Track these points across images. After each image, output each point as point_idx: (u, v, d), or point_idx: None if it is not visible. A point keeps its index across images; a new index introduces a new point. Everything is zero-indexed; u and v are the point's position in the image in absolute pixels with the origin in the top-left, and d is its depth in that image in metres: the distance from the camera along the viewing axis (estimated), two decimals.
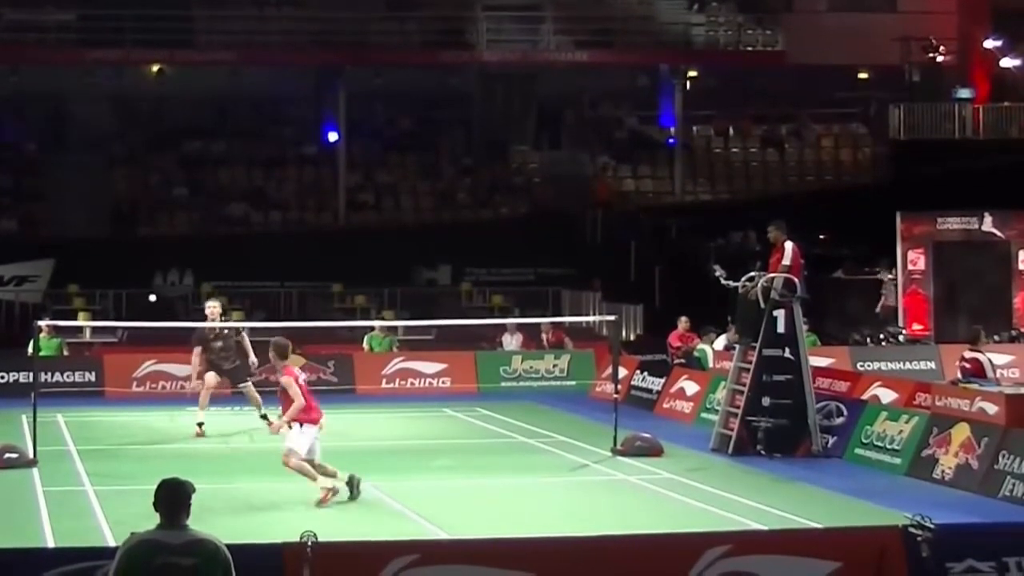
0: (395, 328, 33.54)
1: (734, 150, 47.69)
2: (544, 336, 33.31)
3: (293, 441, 17.95)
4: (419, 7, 44.24)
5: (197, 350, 24.28)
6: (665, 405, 27.49)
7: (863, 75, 46.48)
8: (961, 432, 19.56)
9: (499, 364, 32.00)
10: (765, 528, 15.75)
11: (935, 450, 19.84)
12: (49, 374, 28.98)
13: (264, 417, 23.62)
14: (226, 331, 24.28)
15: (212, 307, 24.60)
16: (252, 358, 24.13)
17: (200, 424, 23.99)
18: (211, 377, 24.23)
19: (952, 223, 35.55)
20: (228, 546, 9.07)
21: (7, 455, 20.76)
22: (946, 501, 18.02)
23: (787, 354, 21.98)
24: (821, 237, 39.67)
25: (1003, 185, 36.87)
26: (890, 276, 36.17)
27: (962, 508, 17.49)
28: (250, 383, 24.21)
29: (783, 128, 48.03)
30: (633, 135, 47.90)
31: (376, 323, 33.65)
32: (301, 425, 18.01)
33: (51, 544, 15.27)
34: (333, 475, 18.06)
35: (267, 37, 43.30)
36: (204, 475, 16.66)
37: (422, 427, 26.18)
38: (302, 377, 18.49)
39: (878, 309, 36.03)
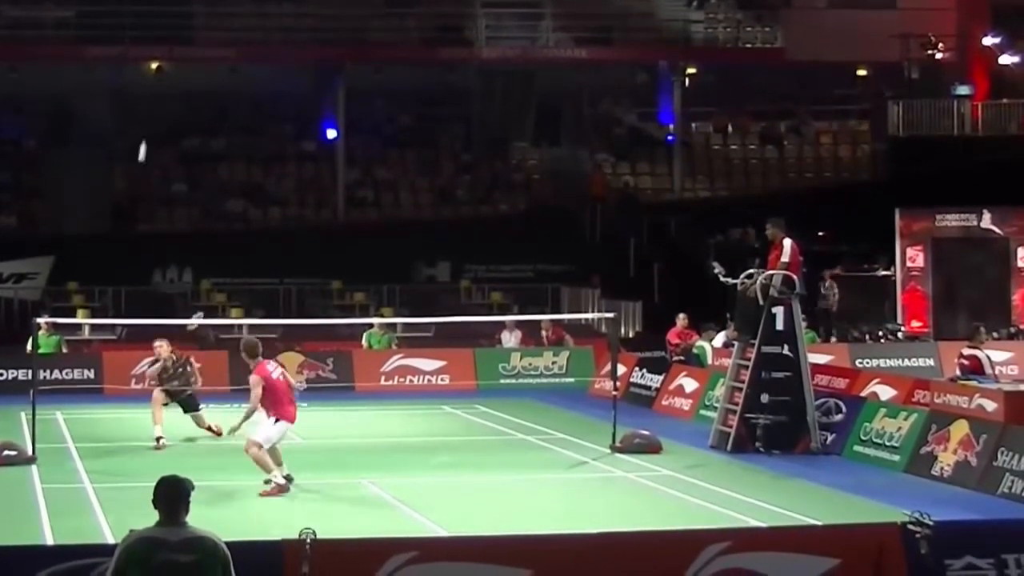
0: (394, 325, 33.57)
1: (733, 147, 47.68)
2: (544, 333, 33.34)
3: (261, 433, 18.29)
4: (418, 3, 44.25)
5: (156, 393, 23.22)
6: (664, 402, 27.50)
7: (862, 72, 46.46)
8: (960, 429, 19.57)
9: (498, 361, 32.01)
10: (764, 525, 15.74)
11: (934, 447, 19.85)
12: (48, 371, 29.00)
13: (210, 428, 23.37)
14: (178, 368, 23.28)
15: (159, 346, 23.41)
16: (198, 384, 23.51)
17: (159, 439, 22.85)
18: (158, 394, 23.16)
19: (951, 220, 35.57)
20: (227, 543, 9.07)
21: (6, 452, 20.78)
22: (945, 498, 18.03)
23: (786, 351, 22.00)
24: (820, 234, 39.66)
25: (1002, 182, 36.89)
26: (832, 278, 36.33)
27: (961, 505, 17.50)
28: (203, 412, 23.38)
29: (782, 125, 48.02)
30: (632, 132, 47.91)
31: (375, 320, 33.66)
32: (276, 420, 18.27)
33: (50, 541, 15.27)
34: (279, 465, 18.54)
35: (266, 34, 43.30)
36: (203, 472, 16.69)
37: (421, 424, 26.19)
38: (276, 373, 18.47)
39: (819, 306, 36.19)
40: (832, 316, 36.20)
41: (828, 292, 36.29)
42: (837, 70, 45.61)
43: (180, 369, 23.33)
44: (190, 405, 23.40)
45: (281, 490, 18.13)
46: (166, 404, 23.25)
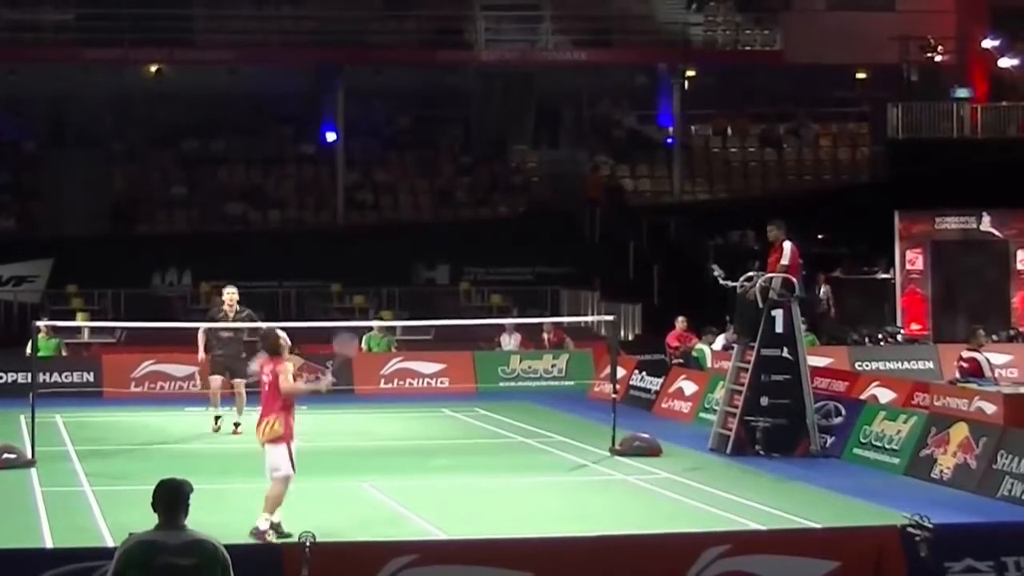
0: (393, 328, 33.55)
1: (732, 149, 47.68)
2: (546, 336, 33.34)
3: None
4: (418, 6, 44.25)
5: (203, 328, 24.17)
6: (663, 405, 27.49)
7: (861, 74, 46.48)
8: (959, 432, 19.56)
9: (498, 364, 32.00)
10: (764, 528, 15.76)
11: (933, 450, 19.85)
12: (47, 374, 28.99)
13: (237, 425, 23.75)
14: (240, 316, 24.01)
15: (230, 294, 24.04)
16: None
17: (218, 418, 24.26)
18: (215, 381, 24.28)
19: (950, 222, 35.56)
20: (227, 546, 9.07)
21: (5, 455, 20.77)
22: (944, 501, 18.03)
23: (785, 354, 21.98)
24: (819, 236, 39.68)
25: (1001, 184, 36.87)
26: (826, 282, 36.07)
27: (960, 508, 17.50)
28: (244, 383, 23.79)
29: (781, 127, 48.02)
30: (631, 134, 47.91)
31: (375, 323, 33.67)
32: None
33: (49, 544, 15.27)
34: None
35: (266, 36, 43.32)
36: (203, 475, 16.67)
37: (420, 427, 26.17)
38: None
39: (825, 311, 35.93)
40: (827, 321, 36.05)
41: (823, 296, 36.16)
42: (836, 72, 45.61)
43: (241, 317, 23.90)
44: (237, 370, 23.70)
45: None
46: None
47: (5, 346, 32.53)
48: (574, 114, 47.91)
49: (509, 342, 33.32)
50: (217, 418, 24.27)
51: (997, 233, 35.32)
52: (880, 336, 34.57)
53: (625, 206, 44.02)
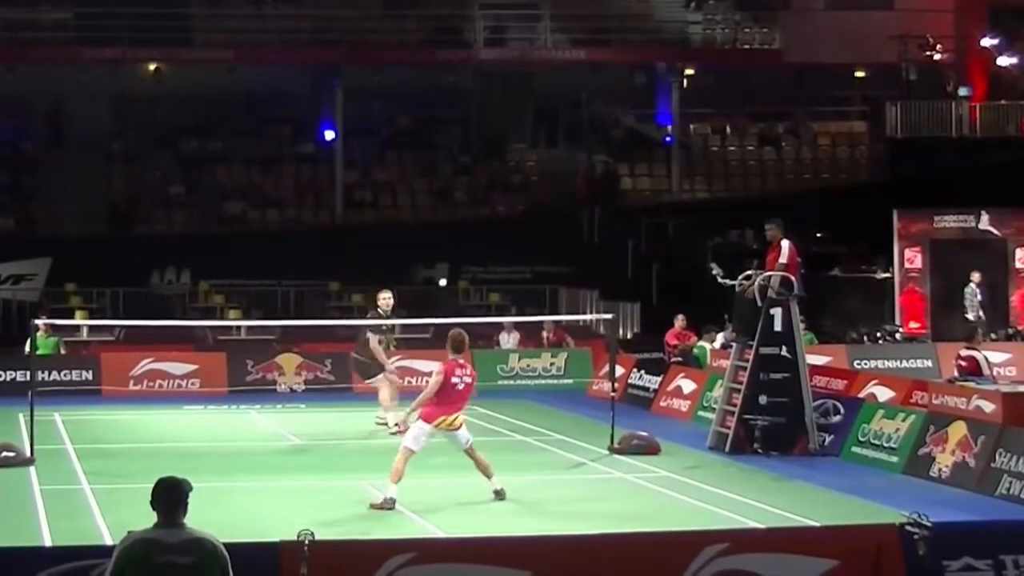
0: (392, 327, 33.49)
1: (731, 148, 47.69)
2: (546, 335, 33.33)
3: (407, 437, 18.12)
4: (417, 5, 44.27)
5: (375, 339, 24.53)
6: (662, 403, 27.50)
7: (860, 73, 46.47)
8: (958, 430, 19.57)
9: (496, 362, 31.98)
10: (762, 526, 15.75)
11: (932, 448, 19.86)
12: (46, 373, 28.95)
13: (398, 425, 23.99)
14: (391, 327, 24.78)
15: (385, 298, 24.65)
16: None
17: (397, 424, 23.95)
18: (393, 375, 24.79)
19: (949, 221, 35.58)
20: (225, 544, 9.08)
21: (4, 454, 20.77)
22: (943, 499, 18.04)
23: (784, 352, 21.99)
24: (818, 235, 39.68)
25: (1000, 183, 36.89)
26: (981, 283, 33.96)
27: (959, 506, 17.51)
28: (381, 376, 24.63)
29: (780, 126, 48.03)
30: (630, 133, 47.91)
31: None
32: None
33: (48, 543, 15.27)
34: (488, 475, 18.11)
35: (264, 35, 43.34)
36: (202, 473, 16.67)
37: None
38: (456, 375, 18.38)
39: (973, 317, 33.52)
40: (981, 326, 31.84)
41: (976, 297, 33.85)
42: (835, 71, 45.60)
43: (391, 328, 24.86)
44: (368, 372, 24.62)
45: (387, 504, 17.45)
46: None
47: (4, 344, 32.56)
48: (573, 113, 47.91)
49: (508, 340, 33.32)
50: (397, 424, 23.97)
51: (996, 232, 35.34)
52: (879, 335, 34.58)
53: (620, 195, 44.00)
